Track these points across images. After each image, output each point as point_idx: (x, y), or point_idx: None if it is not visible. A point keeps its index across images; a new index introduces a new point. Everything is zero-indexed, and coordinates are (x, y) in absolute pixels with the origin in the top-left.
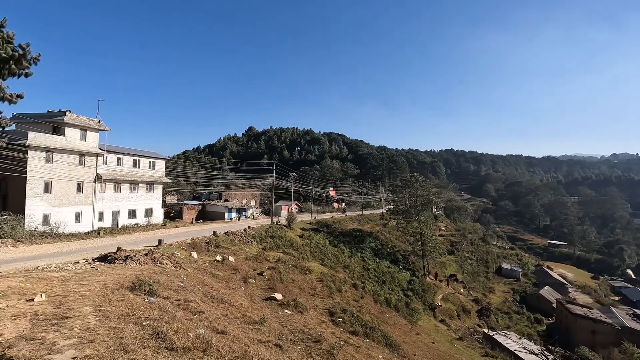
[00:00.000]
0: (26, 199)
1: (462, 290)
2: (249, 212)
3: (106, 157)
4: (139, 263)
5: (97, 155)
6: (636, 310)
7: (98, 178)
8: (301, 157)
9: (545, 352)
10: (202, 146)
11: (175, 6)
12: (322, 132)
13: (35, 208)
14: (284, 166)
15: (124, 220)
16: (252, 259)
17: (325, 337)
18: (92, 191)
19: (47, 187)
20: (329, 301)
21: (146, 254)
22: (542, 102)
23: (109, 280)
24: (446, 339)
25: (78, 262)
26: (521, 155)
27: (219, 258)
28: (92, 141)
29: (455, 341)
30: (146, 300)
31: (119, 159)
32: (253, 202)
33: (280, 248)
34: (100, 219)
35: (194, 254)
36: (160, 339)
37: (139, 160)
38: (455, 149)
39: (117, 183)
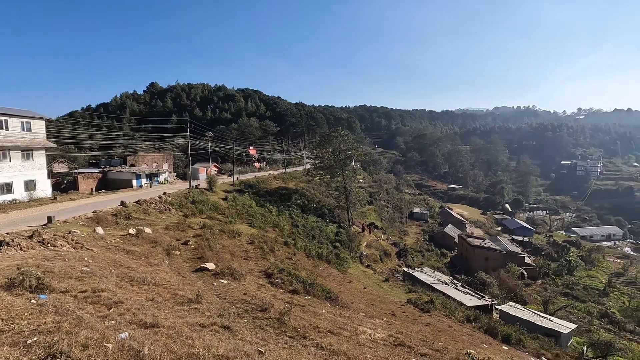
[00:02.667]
0: None
1: (382, 236)
2: (162, 177)
3: None
4: (20, 249)
5: None
6: (514, 237)
7: None
8: (215, 115)
9: (454, 281)
10: (93, 105)
11: None
12: (236, 89)
13: None
14: (198, 124)
15: None
16: (173, 228)
17: (270, 303)
18: None
19: None
20: (264, 263)
21: (30, 236)
22: (435, 62)
23: None
24: (374, 282)
25: None
26: (425, 109)
27: (132, 231)
28: None
29: (382, 283)
30: (34, 301)
31: None
32: (165, 166)
33: (203, 213)
34: None
35: (99, 230)
36: None
37: (6, 121)
38: (368, 105)
39: None
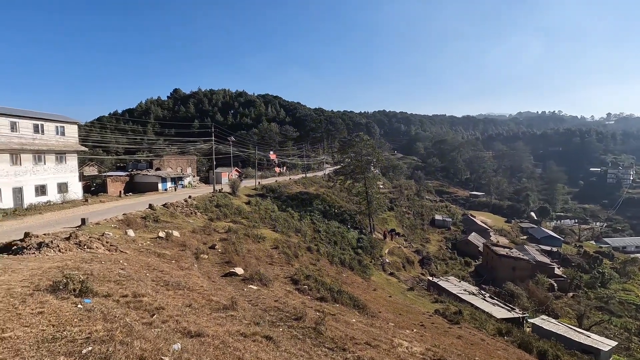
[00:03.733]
0: None
1: (404, 243)
2: (186, 181)
3: None
4: (59, 250)
5: None
6: (542, 246)
7: None
8: (236, 120)
9: (481, 291)
10: (120, 111)
11: None
12: (256, 95)
13: None
14: (222, 128)
15: (30, 198)
16: (200, 232)
17: (304, 311)
18: None
19: None
20: (289, 268)
21: (67, 238)
22: (456, 67)
23: (17, 281)
24: (399, 291)
25: None
26: (445, 115)
27: (162, 234)
28: None
29: (407, 292)
30: (80, 305)
31: (13, 124)
32: (189, 170)
33: (228, 217)
34: None
35: (130, 232)
36: None
37: (43, 125)
38: (387, 110)
39: (15, 154)
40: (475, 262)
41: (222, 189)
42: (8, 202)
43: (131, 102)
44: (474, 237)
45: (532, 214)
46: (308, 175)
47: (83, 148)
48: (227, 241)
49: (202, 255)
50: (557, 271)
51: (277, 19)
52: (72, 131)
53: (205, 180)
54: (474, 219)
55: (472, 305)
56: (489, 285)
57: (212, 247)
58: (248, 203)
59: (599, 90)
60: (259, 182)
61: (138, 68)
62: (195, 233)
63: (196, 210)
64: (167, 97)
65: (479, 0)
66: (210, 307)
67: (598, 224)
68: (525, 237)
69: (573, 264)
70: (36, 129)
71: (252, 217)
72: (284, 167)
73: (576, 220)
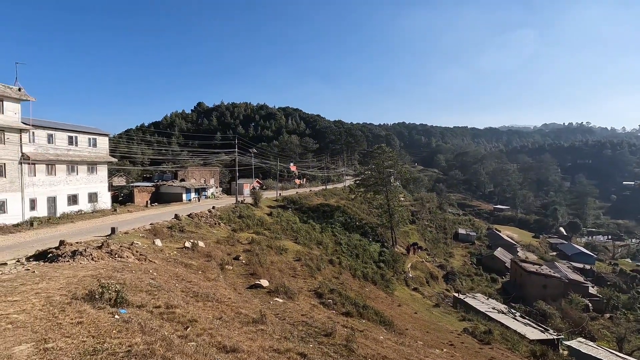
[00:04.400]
0: None
1: (427, 258)
2: (209, 192)
3: (33, 134)
4: (92, 259)
5: (20, 130)
6: (573, 263)
7: (24, 158)
8: (257, 133)
9: (511, 310)
10: (146, 124)
11: None
12: (277, 107)
13: None
14: (245, 140)
15: (63, 207)
16: (224, 242)
17: (332, 327)
18: (19, 175)
19: None
20: (312, 281)
21: (100, 247)
22: (475, 78)
23: (55, 289)
24: (424, 307)
25: (6, 264)
26: (467, 127)
27: (188, 244)
28: (12, 114)
29: (433, 308)
30: (116, 316)
31: (50, 136)
32: (212, 181)
33: (250, 228)
34: (33, 208)
35: (158, 242)
36: None
37: (76, 137)
38: (407, 122)
39: (51, 164)
40: (502, 278)
41: (244, 200)
42: (43, 211)
43: (157, 115)
44: (500, 253)
45: (562, 229)
46: (328, 187)
47: (113, 159)
48: (250, 252)
49: (227, 266)
50: (592, 290)
51: (297, 34)
52: (103, 143)
53: (227, 191)
54: (500, 234)
55: (502, 324)
56: (519, 304)
57: (236, 258)
58: (270, 214)
59: (629, 100)
60: (279, 194)
61: (165, 83)
62: (219, 244)
63: (220, 221)
64: (191, 110)
65: (497, 9)
66: (240, 320)
67: (634, 240)
68: (554, 253)
69: (608, 283)
70: (70, 141)
71: (274, 229)
72: (304, 179)
73: (610, 237)
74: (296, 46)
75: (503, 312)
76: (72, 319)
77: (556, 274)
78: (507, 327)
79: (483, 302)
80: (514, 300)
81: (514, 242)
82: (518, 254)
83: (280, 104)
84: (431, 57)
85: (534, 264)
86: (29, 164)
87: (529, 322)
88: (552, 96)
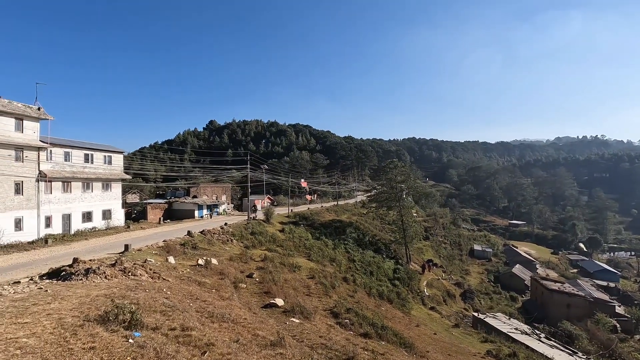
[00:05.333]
0: None
1: (442, 275)
2: (221, 209)
3: (50, 152)
4: (106, 277)
5: (38, 149)
6: (596, 281)
7: (42, 176)
8: (268, 149)
9: (535, 331)
10: (160, 142)
11: None
12: (287, 124)
13: None
14: (257, 156)
15: (77, 224)
16: (237, 260)
17: (354, 352)
18: (35, 192)
19: None
20: (327, 300)
21: (113, 264)
22: (486, 93)
23: (67, 310)
24: (443, 328)
25: (19, 282)
26: (478, 141)
27: (201, 262)
28: (31, 132)
29: (452, 329)
30: (130, 340)
31: (67, 154)
32: (224, 198)
33: (263, 245)
34: (48, 225)
35: (171, 259)
36: None
37: (92, 155)
38: (417, 137)
39: (66, 182)
40: (522, 297)
41: (255, 216)
42: (57, 228)
43: (171, 133)
44: (518, 270)
45: (581, 245)
46: (339, 203)
47: (127, 176)
48: (264, 270)
49: (240, 284)
50: (619, 310)
51: (303, 57)
52: (117, 160)
53: (238, 207)
54: (517, 250)
55: (526, 346)
56: (542, 324)
57: (250, 276)
58: (282, 231)
59: None
60: (291, 210)
61: (178, 102)
62: (232, 261)
63: (232, 238)
64: (203, 128)
65: (499, 26)
66: (258, 343)
67: None
68: (575, 270)
69: (635, 302)
70: (86, 158)
71: (287, 245)
72: (315, 195)
73: (633, 253)
74: (302, 68)
75: (527, 333)
76: (84, 344)
77: (580, 293)
78: (533, 350)
79: (505, 322)
80: (536, 320)
81: (532, 259)
82: (537, 271)
83: (290, 120)
84: (436, 74)
85: (555, 281)
86: (45, 181)
87: (554, 344)
88: (564, 109)
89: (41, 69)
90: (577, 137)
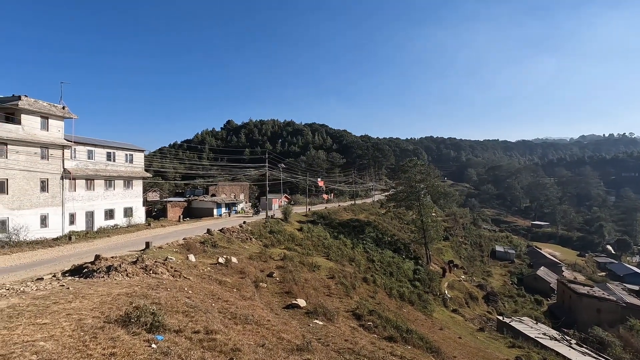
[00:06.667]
0: None
1: (463, 276)
2: (239, 207)
3: (74, 150)
4: (127, 275)
5: (63, 147)
6: (627, 285)
7: (66, 174)
8: (284, 148)
9: (565, 337)
10: (179, 142)
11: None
12: (303, 123)
13: None
14: (276, 155)
15: (100, 222)
16: (256, 258)
17: (383, 357)
18: (60, 190)
19: (2, 187)
20: (348, 301)
21: (134, 262)
22: (506, 92)
23: (87, 310)
24: (467, 332)
25: (42, 279)
26: (498, 140)
27: (221, 260)
28: (56, 131)
29: (477, 333)
30: (152, 345)
31: (90, 152)
32: (242, 196)
33: (282, 244)
34: (72, 222)
35: (191, 257)
36: None
37: (114, 153)
38: (434, 136)
39: (90, 179)
40: (548, 300)
41: (273, 215)
42: (81, 225)
43: (189, 133)
44: (543, 272)
45: (609, 247)
46: (357, 202)
47: (148, 174)
48: (283, 269)
49: (261, 283)
50: None
51: (315, 58)
52: (138, 158)
53: (256, 206)
54: (541, 252)
55: (557, 353)
56: (572, 330)
57: (270, 275)
58: (300, 230)
59: None
60: (309, 209)
61: (196, 102)
62: (252, 259)
63: (251, 236)
64: (221, 128)
65: (514, 26)
66: (284, 348)
67: None
68: (603, 273)
69: None
70: (109, 157)
71: (305, 244)
72: (332, 194)
73: None
74: (315, 70)
75: (556, 339)
76: (104, 349)
77: (611, 297)
78: (564, 357)
79: (532, 327)
80: (564, 325)
81: (557, 261)
82: (563, 273)
83: (306, 120)
84: (450, 74)
85: (583, 285)
86: (70, 179)
87: (586, 351)
88: (588, 107)
89: (65, 71)
90: (603, 135)
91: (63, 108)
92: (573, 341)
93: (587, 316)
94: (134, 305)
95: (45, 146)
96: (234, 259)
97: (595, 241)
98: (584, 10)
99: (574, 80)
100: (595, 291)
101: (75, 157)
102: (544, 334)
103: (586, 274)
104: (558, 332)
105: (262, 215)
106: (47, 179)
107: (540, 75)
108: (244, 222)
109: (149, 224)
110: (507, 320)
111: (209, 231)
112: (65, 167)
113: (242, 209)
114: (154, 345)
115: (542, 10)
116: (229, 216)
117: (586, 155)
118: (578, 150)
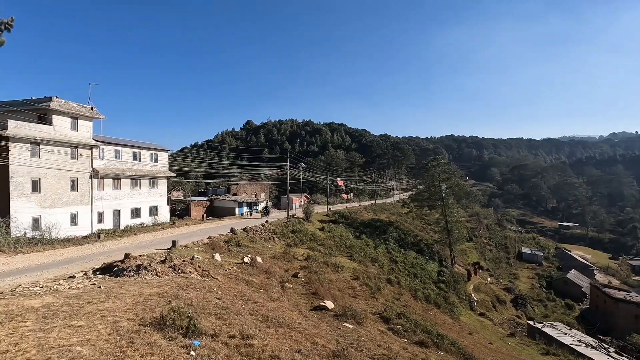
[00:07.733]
0: (10, 200)
1: (489, 279)
2: (260, 206)
3: (102, 150)
4: (157, 274)
5: (91, 147)
6: None
7: (95, 173)
8: (303, 148)
9: (602, 344)
10: (199, 142)
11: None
12: (322, 123)
13: (21, 210)
14: (294, 154)
15: (126, 220)
16: (280, 258)
17: None
18: (89, 189)
19: (35, 186)
20: (374, 303)
21: (163, 261)
22: (529, 90)
23: (121, 311)
24: (497, 337)
25: (74, 277)
26: (522, 138)
27: (247, 260)
28: (85, 131)
29: (507, 338)
30: (191, 352)
31: (117, 152)
32: (262, 196)
33: (304, 243)
34: (100, 220)
35: (217, 257)
36: None
37: (140, 153)
38: (455, 135)
39: (117, 179)
40: (579, 305)
41: (294, 214)
42: (109, 224)
43: (210, 133)
44: (574, 276)
45: None
46: (377, 201)
47: (172, 174)
48: (308, 269)
49: (287, 284)
50: None
51: (331, 60)
52: (163, 158)
53: (276, 205)
54: (571, 254)
55: None
56: (610, 337)
57: (295, 276)
58: (322, 229)
59: None
60: (329, 208)
61: (217, 102)
62: (276, 259)
63: (274, 236)
64: (240, 128)
65: (538, 22)
66: (319, 354)
67: None
68: (638, 277)
69: None
70: (135, 157)
71: (328, 244)
72: (351, 194)
73: None
74: (331, 70)
75: (593, 347)
76: (142, 356)
77: None
78: None
79: (565, 333)
80: (599, 332)
81: (588, 264)
82: (596, 277)
83: (325, 119)
84: (472, 72)
85: (619, 289)
86: (98, 178)
87: None
88: (619, 104)
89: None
90: (636, 132)
91: (92, 109)
92: (612, 349)
93: (624, 323)
94: (168, 307)
95: (75, 146)
96: (258, 259)
97: (628, 243)
98: (613, 5)
99: (603, 76)
100: (632, 296)
101: (103, 156)
102: (579, 340)
103: (620, 278)
104: (594, 340)
105: (271, 216)
106: (77, 178)
107: (566, 72)
108: (267, 221)
109: (174, 223)
110: (538, 325)
111: (232, 230)
112: (93, 167)
113: (263, 208)
114: (192, 353)
115: (569, 4)
116: (250, 215)
117: (617, 154)
118: (608, 148)
